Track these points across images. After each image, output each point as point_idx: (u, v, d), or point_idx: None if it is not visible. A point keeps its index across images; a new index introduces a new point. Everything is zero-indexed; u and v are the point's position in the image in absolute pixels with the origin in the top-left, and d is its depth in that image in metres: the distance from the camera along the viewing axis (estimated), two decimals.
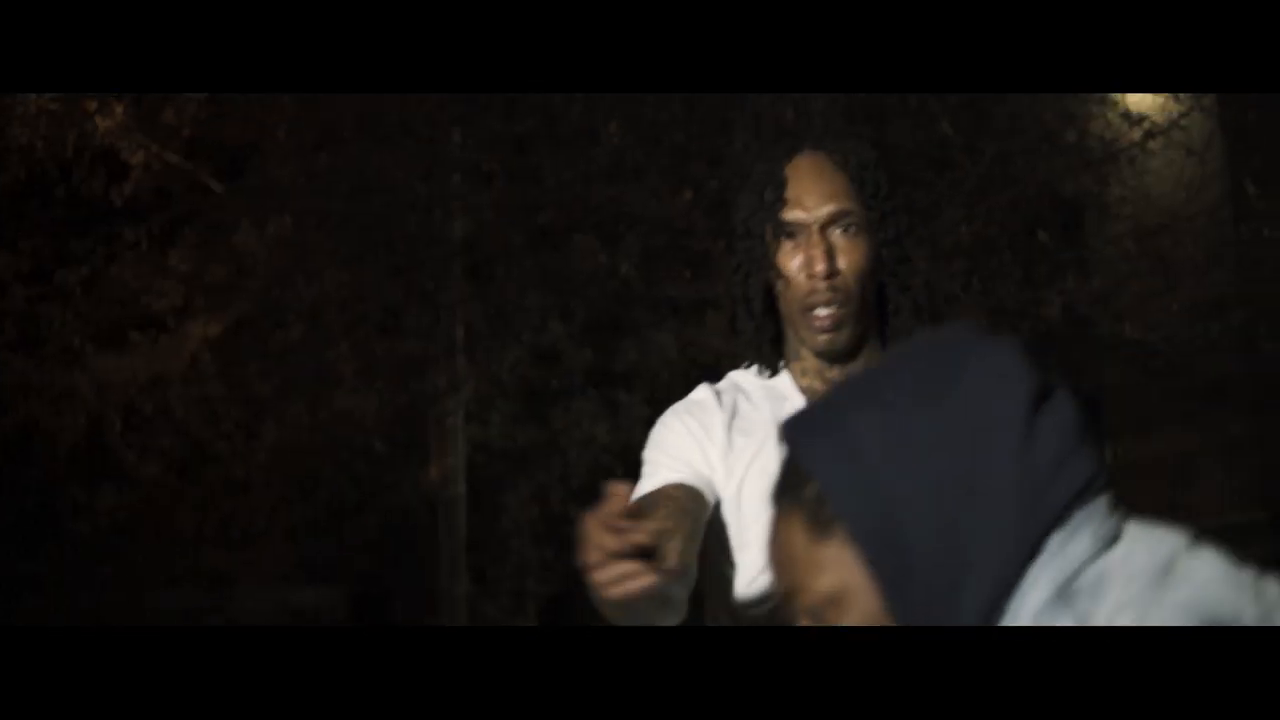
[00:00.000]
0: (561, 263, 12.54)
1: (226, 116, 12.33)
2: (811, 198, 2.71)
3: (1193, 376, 12.01)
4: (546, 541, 13.04)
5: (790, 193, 2.72)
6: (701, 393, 2.82)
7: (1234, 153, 12.34)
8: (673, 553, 2.37)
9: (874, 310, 2.78)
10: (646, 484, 2.69)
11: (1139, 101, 11.86)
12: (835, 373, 2.77)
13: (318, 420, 13.03)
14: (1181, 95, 11.62)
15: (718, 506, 2.72)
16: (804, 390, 2.80)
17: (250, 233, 12.90)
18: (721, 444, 2.74)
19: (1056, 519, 1.56)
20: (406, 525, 13.63)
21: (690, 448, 2.73)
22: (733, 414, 2.78)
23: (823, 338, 2.74)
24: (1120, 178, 12.07)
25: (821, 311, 2.71)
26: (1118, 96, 11.77)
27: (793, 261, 2.72)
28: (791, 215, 2.72)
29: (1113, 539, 1.60)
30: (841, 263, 2.71)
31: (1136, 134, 11.68)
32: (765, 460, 2.61)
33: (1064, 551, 1.56)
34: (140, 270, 12.89)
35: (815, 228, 2.71)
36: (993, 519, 1.54)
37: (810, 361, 2.80)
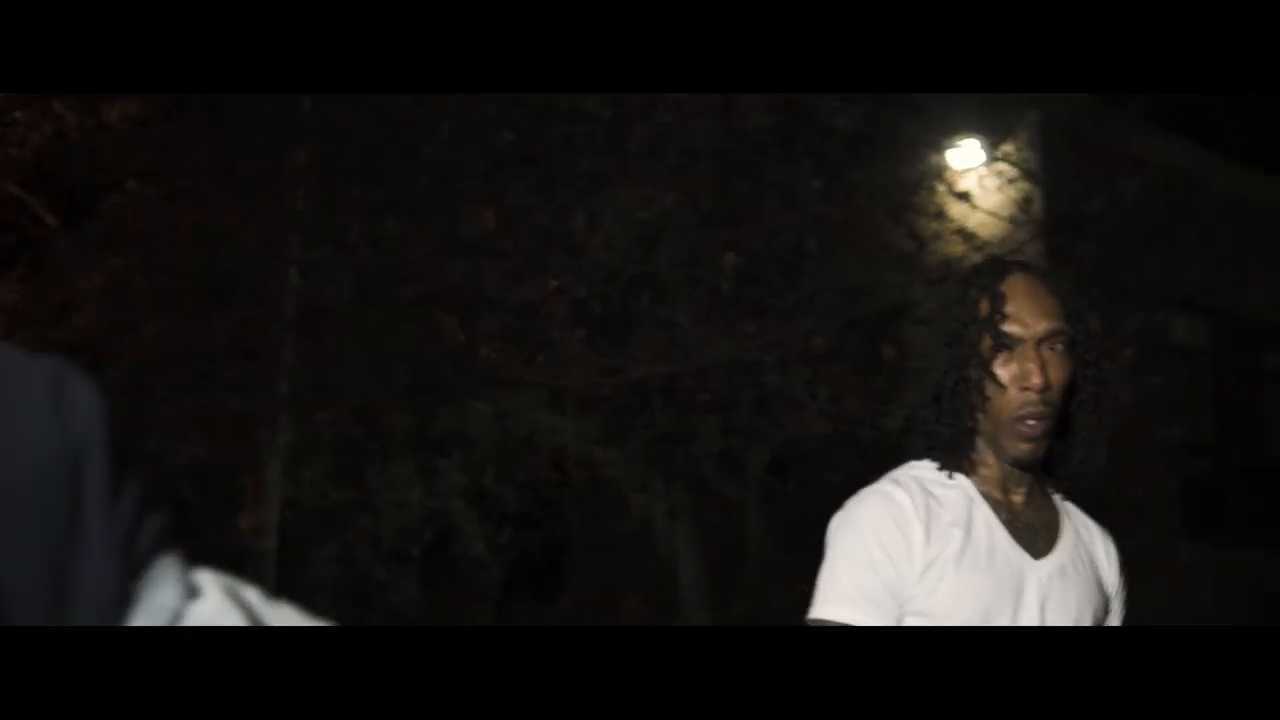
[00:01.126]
0: (384, 328, 12.65)
1: (72, 154, 12.30)
2: (1030, 315, 2.87)
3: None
4: (346, 601, 13.07)
5: (1010, 308, 2.88)
6: (900, 496, 2.87)
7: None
8: None
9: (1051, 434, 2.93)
10: (851, 612, 2.78)
11: (979, 225, 12.45)
12: (1011, 486, 2.94)
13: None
14: (1017, 224, 12.26)
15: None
16: (984, 496, 2.93)
17: (79, 272, 12.89)
18: (920, 559, 2.83)
19: (142, 565, 1.46)
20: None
21: (891, 579, 2.81)
22: (928, 518, 2.86)
23: (1025, 446, 2.88)
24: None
25: (1031, 422, 2.86)
26: (956, 220, 12.40)
27: (1008, 373, 2.87)
28: (1011, 329, 2.88)
29: (193, 591, 1.51)
30: (1053, 377, 2.87)
31: (975, 256, 12.02)
32: (966, 550, 2.81)
33: (151, 600, 1.47)
34: None
35: (1032, 342, 2.87)
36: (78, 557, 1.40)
37: (994, 470, 2.94)
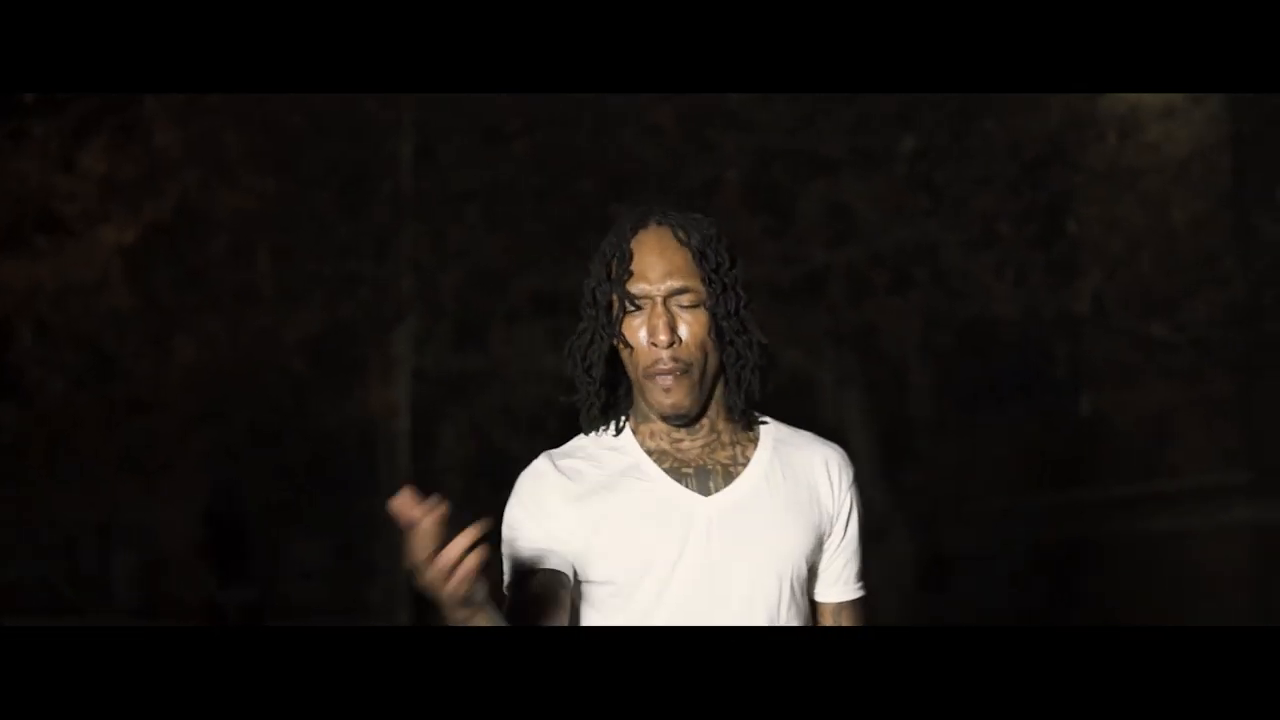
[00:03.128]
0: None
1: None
2: (655, 272, 2.93)
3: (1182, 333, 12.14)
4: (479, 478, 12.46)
5: (636, 266, 2.93)
6: (541, 465, 3.00)
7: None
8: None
9: (715, 378, 3.00)
10: (516, 582, 2.91)
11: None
12: (681, 434, 3.01)
13: (237, 339, 12.42)
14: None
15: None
16: (649, 451, 3.01)
17: (170, 133, 12.29)
18: (566, 517, 2.94)
19: None
20: (335, 455, 12.90)
21: (540, 538, 2.93)
22: (570, 479, 2.97)
23: (664, 399, 2.94)
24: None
25: (662, 377, 2.92)
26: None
27: (638, 331, 2.93)
28: (637, 287, 2.93)
29: None
30: (683, 332, 2.92)
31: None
32: (612, 507, 2.94)
33: None
34: (46, 168, 12.18)
35: (660, 299, 2.93)
36: None
37: (658, 425, 3.01)
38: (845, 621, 3.07)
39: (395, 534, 2.63)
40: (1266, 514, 13.05)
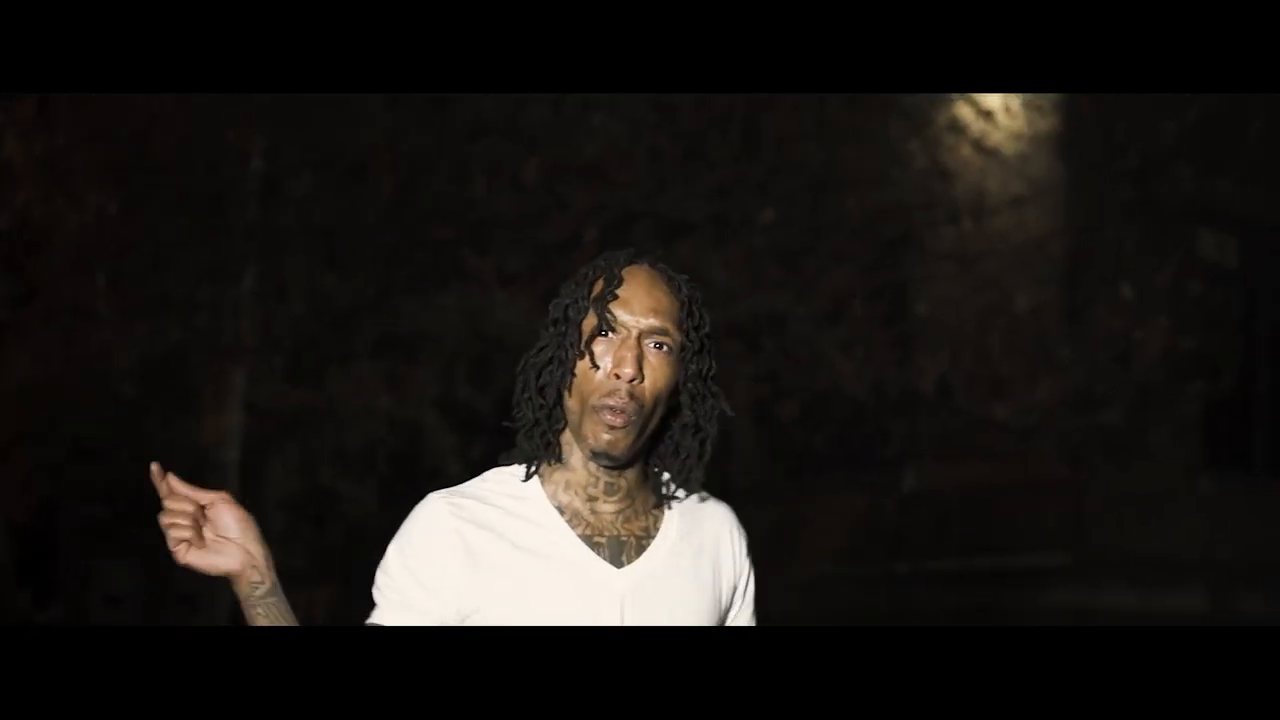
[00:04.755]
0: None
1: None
2: (641, 305, 2.84)
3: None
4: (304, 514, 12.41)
5: (623, 292, 2.84)
6: (436, 510, 2.86)
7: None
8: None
9: (654, 437, 2.90)
10: (390, 615, 2.83)
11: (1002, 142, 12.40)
12: (600, 481, 2.88)
13: (69, 356, 12.28)
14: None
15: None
16: (560, 508, 2.88)
17: (16, 145, 12.16)
18: (457, 578, 2.82)
19: None
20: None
21: (417, 599, 2.83)
22: (467, 532, 2.84)
23: (605, 435, 2.82)
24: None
25: (611, 414, 2.81)
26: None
27: (603, 357, 2.82)
28: (617, 311, 2.84)
29: None
30: (648, 374, 2.83)
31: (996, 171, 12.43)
32: (517, 572, 2.80)
33: None
34: None
35: (635, 332, 2.83)
36: None
37: (580, 474, 2.89)
38: None
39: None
40: (1087, 597, 13.43)
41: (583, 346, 2.84)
